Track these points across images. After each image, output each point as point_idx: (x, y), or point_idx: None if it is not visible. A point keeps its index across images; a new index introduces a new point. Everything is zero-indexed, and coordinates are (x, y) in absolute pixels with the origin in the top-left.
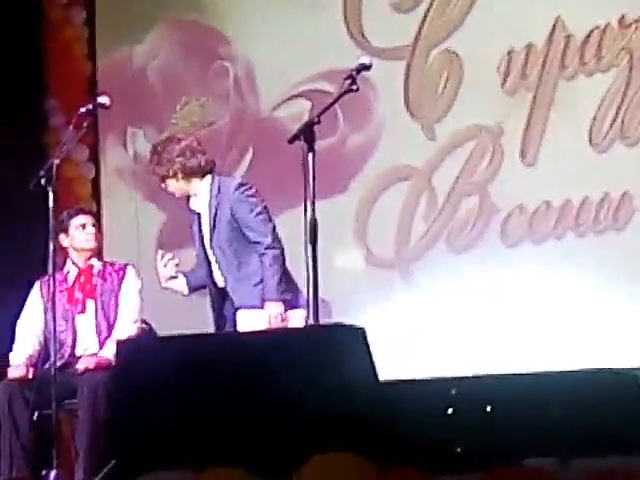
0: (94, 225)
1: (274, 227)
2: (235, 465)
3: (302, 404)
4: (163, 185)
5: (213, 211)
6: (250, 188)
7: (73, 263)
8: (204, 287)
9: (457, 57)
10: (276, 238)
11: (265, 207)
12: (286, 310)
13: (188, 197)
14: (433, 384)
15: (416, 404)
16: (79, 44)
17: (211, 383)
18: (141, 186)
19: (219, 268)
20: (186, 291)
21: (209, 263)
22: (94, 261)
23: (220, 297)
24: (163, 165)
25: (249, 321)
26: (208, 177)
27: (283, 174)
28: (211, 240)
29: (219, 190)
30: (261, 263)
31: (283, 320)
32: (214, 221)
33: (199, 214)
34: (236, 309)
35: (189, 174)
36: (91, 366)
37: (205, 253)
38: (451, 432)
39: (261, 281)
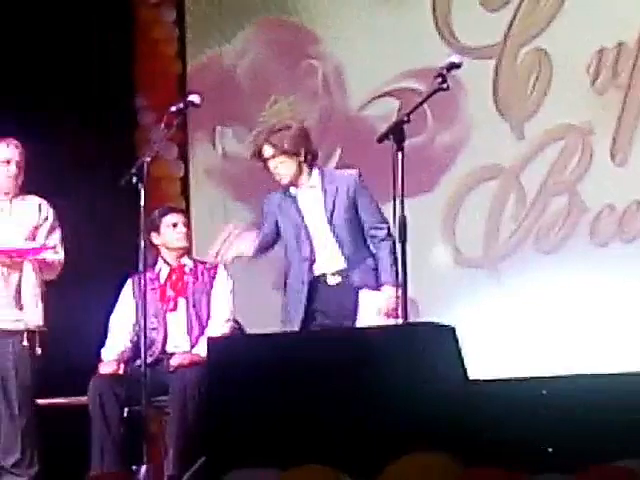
0: (185, 224)
1: None
2: (322, 463)
3: (390, 402)
4: (272, 161)
5: (331, 194)
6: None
7: (165, 261)
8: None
9: (547, 56)
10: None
11: None
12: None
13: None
14: (523, 384)
15: (506, 403)
16: (169, 44)
17: (298, 381)
18: (230, 185)
19: (340, 247)
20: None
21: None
22: (186, 259)
23: (310, 290)
24: (283, 141)
25: (369, 302)
26: (315, 167)
27: (371, 172)
28: (330, 222)
29: (332, 176)
30: (379, 248)
31: (397, 306)
32: (333, 204)
33: (295, 197)
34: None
35: (304, 157)
36: (185, 362)
37: (298, 240)
38: (541, 432)
39: (376, 266)
